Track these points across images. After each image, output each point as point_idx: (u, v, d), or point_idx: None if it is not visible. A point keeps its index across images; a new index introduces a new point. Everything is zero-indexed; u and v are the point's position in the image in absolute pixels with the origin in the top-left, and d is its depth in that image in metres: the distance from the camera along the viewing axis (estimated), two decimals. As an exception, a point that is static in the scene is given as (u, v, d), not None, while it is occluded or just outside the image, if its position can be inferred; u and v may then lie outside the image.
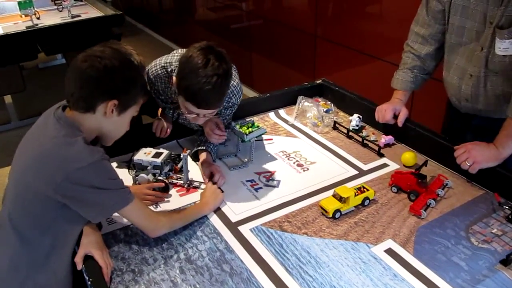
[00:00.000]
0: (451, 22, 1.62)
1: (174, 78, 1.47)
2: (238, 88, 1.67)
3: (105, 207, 1.19)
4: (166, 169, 1.59)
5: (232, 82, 1.58)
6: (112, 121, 1.23)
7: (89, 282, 1.15)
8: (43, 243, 1.20)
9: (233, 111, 1.77)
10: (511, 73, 1.55)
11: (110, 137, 1.30)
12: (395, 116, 1.78)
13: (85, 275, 1.18)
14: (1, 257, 1.23)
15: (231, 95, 1.66)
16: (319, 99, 2.11)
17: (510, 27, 1.43)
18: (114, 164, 1.69)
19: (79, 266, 1.20)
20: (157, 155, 1.58)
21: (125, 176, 1.63)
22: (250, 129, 1.77)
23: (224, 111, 1.73)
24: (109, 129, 1.26)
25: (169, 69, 1.60)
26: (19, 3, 3.54)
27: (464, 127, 1.76)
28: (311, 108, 2.00)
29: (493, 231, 1.34)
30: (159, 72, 1.62)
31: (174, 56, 1.61)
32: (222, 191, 1.53)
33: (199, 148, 1.70)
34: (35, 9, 3.57)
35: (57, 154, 1.14)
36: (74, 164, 1.11)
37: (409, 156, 1.66)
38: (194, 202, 1.49)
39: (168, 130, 1.77)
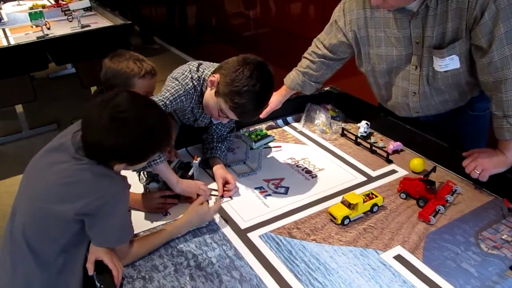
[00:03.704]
0: (376, 53, 1.67)
1: (216, 76, 1.51)
2: None
3: (107, 240, 1.23)
4: (177, 176, 1.60)
5: None
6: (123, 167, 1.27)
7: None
8: (57, 262, 1.23)
9: None
10: (454, 85, 1.60)
11: None
12: None
13: (95, 281, 1.19)
14: (17, 273, 1.24)
15: None
16: (327, 106, 2.12)
17: (448, 46, 1.48)
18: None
19: (90, 271, 1.21)
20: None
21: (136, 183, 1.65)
22: (258, 136, 1.79)
23: None
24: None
25: (201, 82, 1.62)
26: (30, 14, 3.60)
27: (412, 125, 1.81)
28: (319, 115, 2.01)
29: (503, 237, 1.33)
30: (190, 90, 1.60)
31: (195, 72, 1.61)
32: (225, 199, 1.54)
33: (210, 155, 1.72)
34: (46, 19, 3.62)
35: (81, 182, 1.18)
36: (95, 193, 1.16)
37: (417, 162, 1.66)
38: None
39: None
